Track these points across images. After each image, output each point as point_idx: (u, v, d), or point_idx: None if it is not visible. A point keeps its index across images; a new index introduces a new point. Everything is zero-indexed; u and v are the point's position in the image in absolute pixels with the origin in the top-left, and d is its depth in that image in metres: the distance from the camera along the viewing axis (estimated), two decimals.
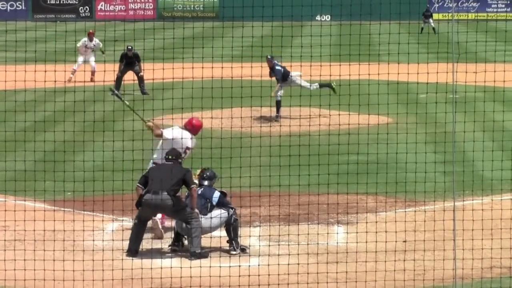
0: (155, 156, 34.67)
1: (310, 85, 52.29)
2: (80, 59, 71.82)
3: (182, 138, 34.28)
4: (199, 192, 29.91)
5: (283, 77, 52.55)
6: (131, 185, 33.76)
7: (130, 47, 65.20)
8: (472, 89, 56.07)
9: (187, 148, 34.16)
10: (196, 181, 30.56)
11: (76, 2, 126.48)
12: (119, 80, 63.54)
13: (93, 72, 72.10)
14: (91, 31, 78.82)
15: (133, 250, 28.37)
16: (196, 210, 29.58)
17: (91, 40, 75.87)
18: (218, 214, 29.45)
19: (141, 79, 61.43)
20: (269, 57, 54.39)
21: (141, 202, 28.70)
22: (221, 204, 29.85)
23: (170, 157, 30.11)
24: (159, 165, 30.39)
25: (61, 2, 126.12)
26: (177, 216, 28.61)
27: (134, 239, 28.45)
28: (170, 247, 29.20)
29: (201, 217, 29.44)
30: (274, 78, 54.68)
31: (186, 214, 28.90)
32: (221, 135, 33.75)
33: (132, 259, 28.63)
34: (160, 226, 31.01)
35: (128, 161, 35.71)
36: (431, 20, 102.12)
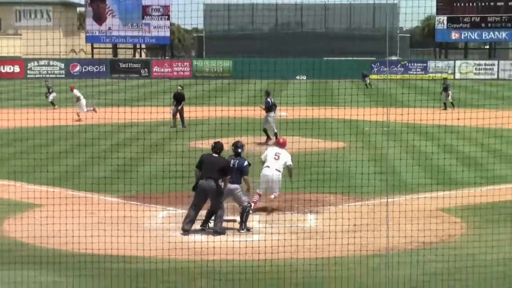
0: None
1: (274, 129, 52.28)
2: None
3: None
4: (236, 165, 29.68)
5: (268, 109, 51.78)
6: (174, 187, 33.79)
7: (180, 87, 63.89)
8: (399, 125, 56.28)
9: (286, 160, 34.60)
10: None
11: (139, 66, 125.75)
12: (174, 115, 62.33)
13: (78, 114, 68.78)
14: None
15: (186, 229, 28.33)
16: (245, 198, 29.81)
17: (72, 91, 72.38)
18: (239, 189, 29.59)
19: (182, 115, 60.26)
20: (267, 91, 53.89)
21: (195, 186, 28.50)
22: (246, 172, 29.84)
23: (216, 150, 29.51)
24: (209, 156, 29.47)
25: (129, 66, 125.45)
26: (215, 199, 28.43)
27: (188, 221, 28.40)
28: (200, 227, 29.15)
29: (237, 188, 29.60)
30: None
31: (219, 201, 28.91)
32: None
33: (175, 235, 28.73)
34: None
35: (172, 171, 35.77)
36: (367, 79, 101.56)
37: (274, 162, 33.89)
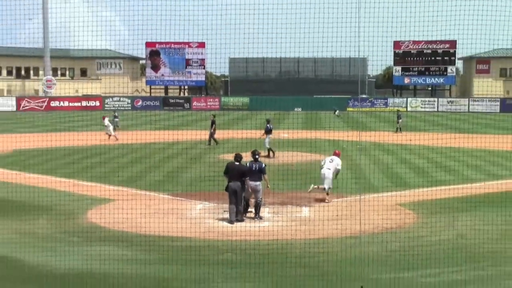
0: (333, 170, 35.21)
1: (268, 145, 51.23)
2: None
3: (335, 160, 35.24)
4: (257, 168, 29.25)
5: (267, 132, 51.47)
6: (207, 187, 33.56)
7: (212, 116, 63.19)
8: (368, 143, 55.93)
9: (337, 164, 35.10)
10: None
11: (183, 101, 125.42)
12: (211, 136, 61.39)
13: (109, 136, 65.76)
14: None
15: (232, 220, 27.98)
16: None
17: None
18: (260, 186, 29.24)
19: (212, 136, 59.65)
20: (268, 119, 53.61)
21: (227, 187, 28.23)
22: (263, 171, 29.45)
23: (238, 159, 29.02)
24: (232, 164, 28.93)
25: (176, 101, 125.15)
26: (240, 195, 28.12)
27: (231, 213, 28.12)
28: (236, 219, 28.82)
29: (258, 185, 29.10)
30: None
31: (241, 197, 28.57)
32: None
33: (208, 222, 28.57)
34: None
35: (206, 176, 35.59)
36: (337, 111, 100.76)
37: (329, 164, 34.75)
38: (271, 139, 52.07)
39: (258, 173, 28.98)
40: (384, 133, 65.85)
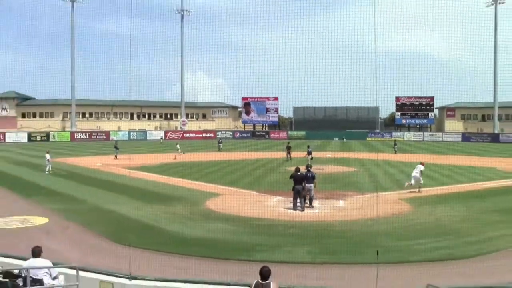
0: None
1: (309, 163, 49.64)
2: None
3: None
4: (310, 175, 28.64)
5: (308, 153, 50.96)
6: (280, 187, 33.41)
7: (288, 143, 62.80)
8: (379, 161, 55.10)
9: (420, 170, 34.89)
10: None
11: (264, 134, 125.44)
12: (289, 154, 60.83)
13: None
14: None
15: (295, 209, 27.34)
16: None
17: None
18: (312, 187, 28.92)
19: (289, 155, 58.66)
20: (308, 145, 53.17)
21: (293, 188, 27.95)
22: (314, 177, 28.84)
23: (298, 170, 28.42)
24: (295, 173, 28.18)
25: (260, 133, 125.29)
26: (301, 193, 27.74)
27: (295, 204, 27.74)
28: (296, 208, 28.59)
29: (311, 186, 28.63)
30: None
31: (302, 194, 28.11)
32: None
33: (280, 209, 28.36)
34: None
35: (280, 179, 35.41)
36: (344, 139, 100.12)
37: (416, 169, 34.76)
38: (320, 157, 51.54)
39: (311, 178, 28.72)
40: (390, 154, 65.13)
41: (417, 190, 34.58)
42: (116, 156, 61.18)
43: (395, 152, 67.28)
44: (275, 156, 59.55)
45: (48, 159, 47.65)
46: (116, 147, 62.53)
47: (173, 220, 25.55)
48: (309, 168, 29.80)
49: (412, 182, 34.73)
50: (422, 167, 35.32)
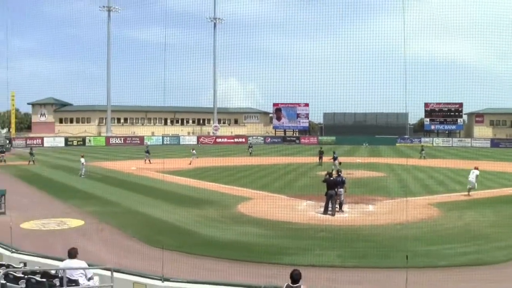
0: None
1: (333, 168, 48.63)
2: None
3: None
4: (341, 180, 28.56)
5: (334, 159, 50.31)
6: (311, 191, 33.29)
7: (321, 147, 62.51)
8: (408, 166, 54.66)
9: (475, 174, 35.17)
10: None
11: (295, 139, 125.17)
12: (320, 159, 60.45)
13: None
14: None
15: (327, 213, 27.24)
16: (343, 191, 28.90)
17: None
18: (342, 191, 28.76)
19: (321, 159, 57.79)
20: (334, 151, 52.59)
21: (326, 193, 27.75)
22: (344, 182, 28.79)
23: (330, 176, 28.50)
24: (328, 178, 28.11)
25: (291, 139, 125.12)
26: (334, 198, 27.59)
27: (325, 208, 27.61)
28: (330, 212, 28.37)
29: (342, 191, 28.47)
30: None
31: (334, 199, 28.01)
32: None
33: (310, 212, 28.27)
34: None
35: (311, 184, 35.32)
36: (365, 145, 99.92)
37: (472, 174, 35.11)
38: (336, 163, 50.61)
39: (341, 183, 28.62)
40: (420, 160, 64.56)
41: (467, 193, 34.60)
42: (146, 160, 61.41)
43: (424, 158, 66.65)
44: (306, 161, 59.40)
45: (82, 163, 48.16)
46: (147, 152, 62.79)
47: (205, 223, 25.58)
48: (340, 173, 29.65)
49: (472, 185, 35.00)
50: (477, 172, 35.43)
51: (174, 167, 51.70)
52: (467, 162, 58.48)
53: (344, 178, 29.25)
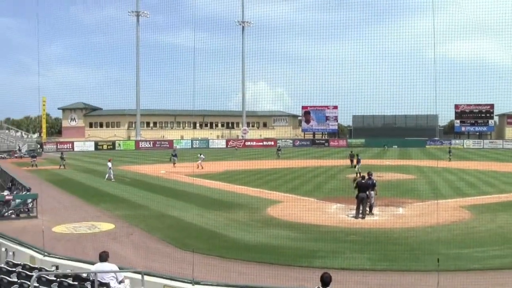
0: None
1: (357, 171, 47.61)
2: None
3: None
4: (371, 182, 28.35)
5: (358, 161, 49.67)
6: (340, 194, 33.19)
7: (351, 151, 62.44)
8: (439, 168, 54.12)
9: None
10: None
11: (324, 142, 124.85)
12: (351, 163, 60.13)
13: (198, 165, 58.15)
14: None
15: (358, 217, 27.12)
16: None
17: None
18: (373, 194, 28.56)
19: (352, 162, 57.01)
20: (357, 154, 51.90)
21: (357, 195, 27.54)
22: (375, 184, 28.59)
23: (363, 179, 28.34)
24: (361, 181, 28.06)
25: (320, 141, 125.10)
26: (365, 201, 27.43)
27: (357, 210, 27.45)
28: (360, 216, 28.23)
29: (372, 193, 28.28)
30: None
31: (366, 202, 27.86)
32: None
33: (340, 215, 28.18)
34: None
35: (340, 187, 35.19)
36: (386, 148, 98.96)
37: None
38: (360, 165, 49.99)
39: (371, 186, 28.46)
40: (450, 162, 63.98)
41: None
42: (174, 164, 61.61)
43: (449, 160, 65.98)
44: (335, 163, 59.08)
45: (110, 167, 48.53)
46: (174, 155, 62.92)
47: (235, 226, 25.60)
48: (370, 176, 29.45)
49: None
50: None
51: (211, 170, 51.81)
52: (498, 164, 57.91)
53: (374, 181, 29.08)
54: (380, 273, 17.20)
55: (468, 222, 26.06)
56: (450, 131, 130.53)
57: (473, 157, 75.72)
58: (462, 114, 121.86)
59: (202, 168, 57.98)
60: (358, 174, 46.45)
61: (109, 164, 48.71)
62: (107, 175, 48.13)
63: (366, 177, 29.15)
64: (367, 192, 27.74)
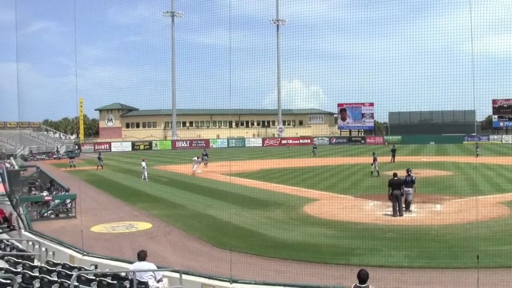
0: None
1: (375, 166, 46.64)
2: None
3: None
4: (410, 179, 28.04)
5: (374, 160, 46.85)
6: (375, 191, 33.00)
7: (393, 146, 61.96)
8: (477, 164, 53.46)
9: None
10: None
11: (360, 139, 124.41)
12: (393, 157, 60.31)
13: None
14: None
15: (395, 215, 26.83)
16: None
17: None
18: (412, 191, 28.33)
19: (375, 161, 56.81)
20: (374, 152, 50.49)
21: (391, 194, 27.28)
22: (414, 181, 28.21)
23: (395, 176, 27.82)
24: (393, 179, 27.55)
25: (356, 139, 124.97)
26: (400, 198, 27.10)
27: (394, 209, 27.20)
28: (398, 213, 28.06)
29: (410, 190, 27.90)
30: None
31: (401, 199, 27.58)
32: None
33: (376, 212, 28.08)
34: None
35: (375, 185, 34.94)
36: (394, 147, 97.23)
37: None
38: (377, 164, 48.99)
39: (411, 182, 28.17)
40: (488, 157, 63.03)
41: None
42: (206, 163, 61.07)
43: (477, 156, 64.95)
44: (371, 161, 58.71)
45: (144, 167, 48.87)
46: (206, 155, 62.61)
47: (272, 224, 25.63)
48: (410, 172, 29.13)
49: None
50: None
51: (248, 169, 51.87)
52: None
53: (414, 177, 28.78)
54: (418, 271, 17.08)
55: (507, 219, 25.65)
56: (488, 127, 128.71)
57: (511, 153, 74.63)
58: (500, 109, 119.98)
59: (206, 166, 59.63)
60: (376, 173, 45.95)
61: (143, 163, 49.08)
62: (143, 175, 48.55)
63: (405, 174, 28.95)
64: (401, 189, 27.50)
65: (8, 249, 18.29)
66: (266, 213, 28.85)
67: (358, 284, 10.58)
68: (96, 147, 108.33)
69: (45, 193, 34.88)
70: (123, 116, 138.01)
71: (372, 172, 46.15)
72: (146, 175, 48.49)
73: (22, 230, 23.18)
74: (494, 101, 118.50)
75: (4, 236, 22.34)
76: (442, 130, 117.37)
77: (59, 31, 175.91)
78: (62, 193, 33.63)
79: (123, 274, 13.83)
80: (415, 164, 50.80)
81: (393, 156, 59.77)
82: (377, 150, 59.03)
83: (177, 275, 13.78)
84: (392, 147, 63.26)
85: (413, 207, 28.62)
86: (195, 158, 55.55)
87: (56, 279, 12.87)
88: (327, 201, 31.97)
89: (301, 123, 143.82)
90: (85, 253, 17.63)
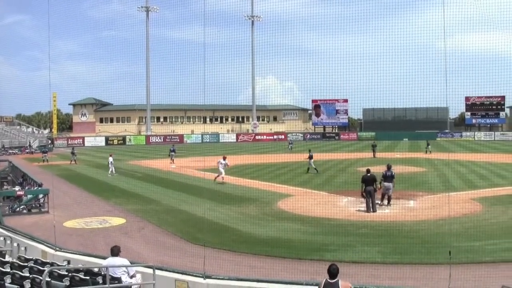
0: None
1: (311, 164, 46.80)
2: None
3: None
4: (390, 174, 28.22)
5: (310, 157, 46.65)
6: (350, 187, 33.16)
7: (374, 142, 62.20)
8: (449, 160, 53.92)
9: None
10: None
11: (334, 135, 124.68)
12: (374, 154, 60.56)
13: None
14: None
15: (368, 210, 27.03)
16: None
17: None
18: (391, 186, 28.45)
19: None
20: (310, 149, 50.31)
21: (364, 190, 27.26)
22: (394, 176, 28.41)
23: (368, 172, 27.77)
24: (366, 175, 27.54)
25: (330, 135, 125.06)
26: (373, 194, 27.18)
27: (367, 205, 27.26)
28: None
29: (390, 185, 28.17)
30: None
31: (374, 195, 27.60)
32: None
33: (350, 208, 28.16)
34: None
35: (349, 181, 35.05)
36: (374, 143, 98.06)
37: None
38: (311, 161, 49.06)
39: (390, 177, 28.28)
40: (460, 154, 63.64)
41: None
42: (172, 160, 60.02)
43: (429, 152, 65.21)
44: (345, 157, 58.92)
45: (111, 162, 48.49)
46: (173, 151, 61.67)
47: (246, 220, 25.62)
48: (390, 168, 29.16)
49: None
50: None
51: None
52: (510, 156, 57.53)
53: (393, 173, 28.90)
54: (391, 266, 17.14)
55: (479, 215, 25.93)
56: (461, 124, 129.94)
57: (483, 149, 75.32)
58: (472, 106, 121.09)
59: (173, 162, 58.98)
60: (314, 170, 45.89)
61: (110, 159, 48.65)
62: (110, 170, 48.23)
63: (385, 169, 29.07)
64: (374, 185, 27.58)
65: None
66: (240, 208, 28.81)
67: (328, 280, 10.57)
68: (69, 142, 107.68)
69: (17, 188, 34.47)
70: (97, 111, 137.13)
71: (308, 168, 46.63)
72: (113, 170, 48.16)
73: None
74: (467, 98, 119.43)
75: None
76: (415, 126, 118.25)
77: (33, 24, 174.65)
78: (35, 188, 33.25)
79: (96, 269, 13.74)
80: (389, 160, 50.96)
81: (374, 151, 60.46)
82: (351, 146, 59.23)
83: (150, 270, 13.71)
84: (372, 143, 64.00)
85: (386, 202, 28.80)
86: (221, 161, 42.07)
87: (28, 274, 12.75)
88: (301, 196, 32.02)
89: (275, 119, 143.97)
90: (57, 249, 17.47)
